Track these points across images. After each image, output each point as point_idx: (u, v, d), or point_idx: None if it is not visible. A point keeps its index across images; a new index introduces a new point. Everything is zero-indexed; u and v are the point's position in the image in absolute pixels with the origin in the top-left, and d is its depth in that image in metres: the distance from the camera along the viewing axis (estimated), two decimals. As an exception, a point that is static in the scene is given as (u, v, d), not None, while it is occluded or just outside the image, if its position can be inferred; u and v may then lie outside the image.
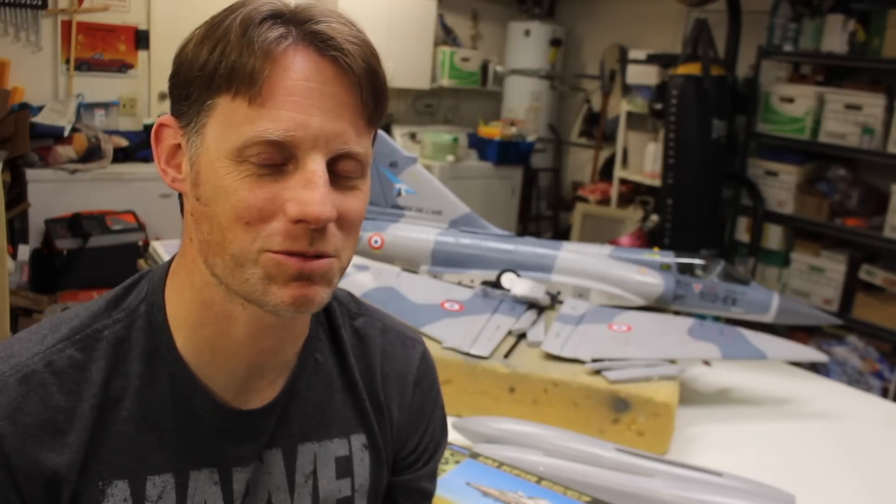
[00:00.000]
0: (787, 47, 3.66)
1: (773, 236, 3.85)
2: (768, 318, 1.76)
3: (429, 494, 0.85)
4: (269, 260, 0.61)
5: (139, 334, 0.67)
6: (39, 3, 3.71)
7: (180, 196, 0.67)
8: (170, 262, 0.71)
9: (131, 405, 0.65)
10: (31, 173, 3.47)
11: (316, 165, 0.60)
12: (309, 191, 0.59)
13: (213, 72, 0.60)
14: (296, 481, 0.73)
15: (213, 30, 0.61)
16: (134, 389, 0.66)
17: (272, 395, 0.71)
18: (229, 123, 0.60)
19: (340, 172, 0.63)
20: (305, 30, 0.61)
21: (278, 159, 0.60)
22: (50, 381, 0.63)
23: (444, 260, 1.87)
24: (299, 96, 0.60)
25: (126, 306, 0.68)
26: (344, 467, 0.76)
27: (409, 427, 0.82)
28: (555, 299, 1.77)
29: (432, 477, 0.86)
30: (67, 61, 3.85)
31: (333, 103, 0.61)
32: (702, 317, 1.79)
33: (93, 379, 0.64)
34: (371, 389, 0.79)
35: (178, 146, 0.66)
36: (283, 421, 0.72)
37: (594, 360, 1.45)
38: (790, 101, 3.68)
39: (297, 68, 0.60)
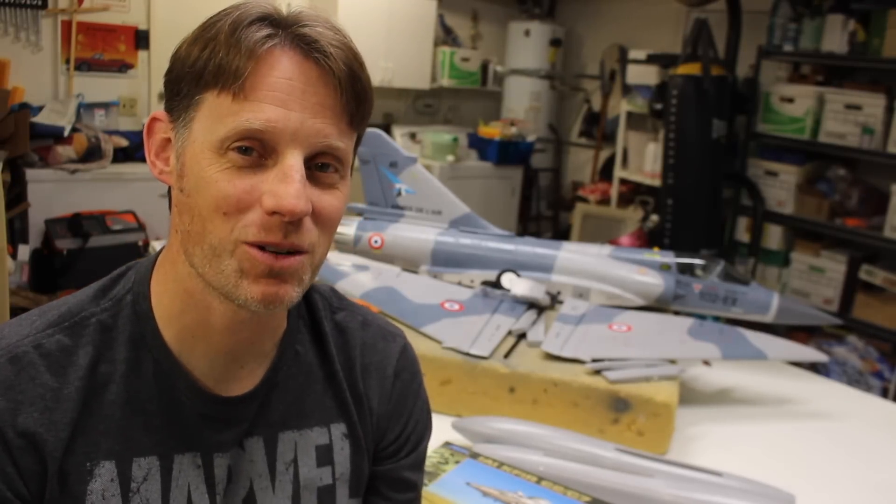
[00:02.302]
0: (787, 47, 3.66)
1: (773, 236, 3.85)
2: (768, 318, 1.76)
3: (414, 485, 0.87)
4: (244, 253, 0.63)
5: (125, 322, 0.69)
6: (39, 3, 3.71)
7: (169, 190, 0.70)
8: (157, 254, 0.74)
9: (118, 389, 0.68)
10: (31, 173, 3.47)
11: (293, 160, 0.63)
12: (285, 184, 0.62)
13: (202, 69, 0.63)
14: (277, 469, 0.75)
15: (206, 30, 0.64)
16: (120, 374, 0.68)
17: (252, 383, 0.73)
18: (214, 117, 0.63)
19: (319, 170, 0.65)
20: (292, 32, 0.64)
21: (258, 151, 0.63)
22: (39, 362, 0.65)
23: (444, 260, 1.87)
24: (281, 92, 0.62)
25: (113, 295, 0.71)
26: (324, 456, 0.78)
27: (389, 418, 0.83)
28: (555, 299, 1.77)
29: (415, 468, 0.87)
30: (67, 61, 3.85)
31: (315, 101, 0.64)
32: (702, 317, 1.79)
33: (79, 363, 0.67)
34: (351, 380, 0.81)
35: (168, 140, 0.68)
36: (263, 409, 0.74)
37: (594, 360, 1.45)
38: (790, 101, 3.67)
39: (281, 67, 0.63)
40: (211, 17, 0.65)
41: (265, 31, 0.63)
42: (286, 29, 0.64)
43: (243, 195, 0.62)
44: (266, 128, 0.62)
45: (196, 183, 0.64)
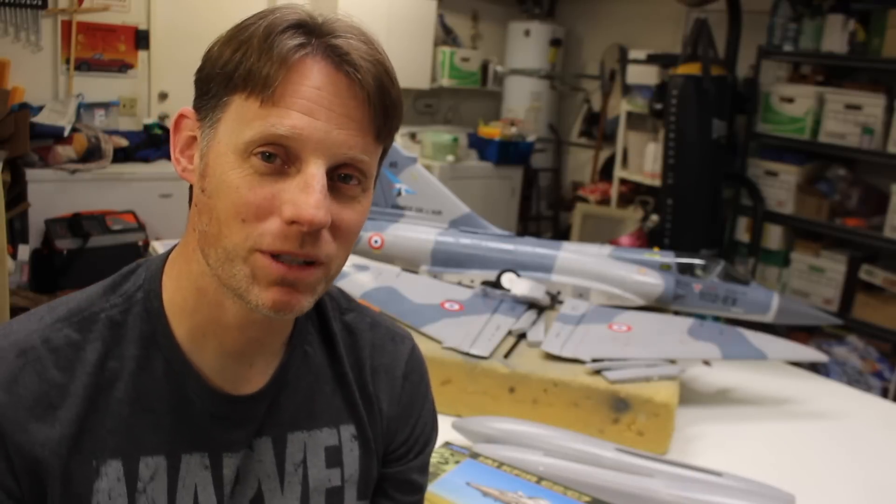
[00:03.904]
0: (787, 47, 3.66)
1: (773, 236, 3.85)
2: (768, 318, 1.76)
3: (420, 487, 0.87)
4: (257, 261, 0.63)
5: (135, 319, 0.69)
6: (39, 3, 3.71)
7: (191, 187, 0.69)
8: (168, 252, 0.73)
9: (126, 387, 0.67)
10: (31, 173, 3.47)
11: (316, 170, 0.62)
12: (305, 194, 0.61)
13: (232, 71, 0.63)
14: (286, 470, 0.74)
15: (240, 32, 0.64)
16: (129, 372, 0.67)
17: (262, 383, 0.73)
18: (240, 120, 0.63)
19: (342, 182, 0.65)
20: (324, 42, 0.64)
21: (281, 157, 0.62)
22: (46, 356, 0.65)
23: (444, 260, 1.87)
24: (309, 101, 0.62)
25: (124, 292, 0.70)
26: (333, 457, 0.77)
27: (398, 420, 0.83)
28: (555, 299, 1.77)
29: (422, 470, 0.87)
30: (67, 61, 3.85)
31: (342, 113, 0.63)
32: (702, 317, 1.79)
33: (87, 358, 0.66)
34: (360, 381, 0.80)
35: (194, 138, 0.68)
36: (273, 409, 0.74)
37: (594, 360, 1.45)
38: (790, 101, 3.67)
39: (312, 77, 0.63)
40: (246, 19, 0.65)
41: (298, 40, 0.63)
42: (319, 38, 0.63)
43: (263, 202, 0.62)
44: (291, 134, 0.61)
45: (217, 186, 0.63)
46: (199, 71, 0.66)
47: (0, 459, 0.62)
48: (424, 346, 1.48)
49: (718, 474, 1.23)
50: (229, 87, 0.63)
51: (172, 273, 0.71)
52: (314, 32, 0.64)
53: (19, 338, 0.65)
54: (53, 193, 3.53)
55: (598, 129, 5.28)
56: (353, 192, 0.66)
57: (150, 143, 3.92)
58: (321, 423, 0.77)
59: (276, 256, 0.63)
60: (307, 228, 0.61)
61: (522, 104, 5.35)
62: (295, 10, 0.65)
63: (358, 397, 0.79)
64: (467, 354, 1.46)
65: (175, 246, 0.73)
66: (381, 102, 0.65)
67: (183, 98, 0.74)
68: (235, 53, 0.63)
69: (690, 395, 1.63)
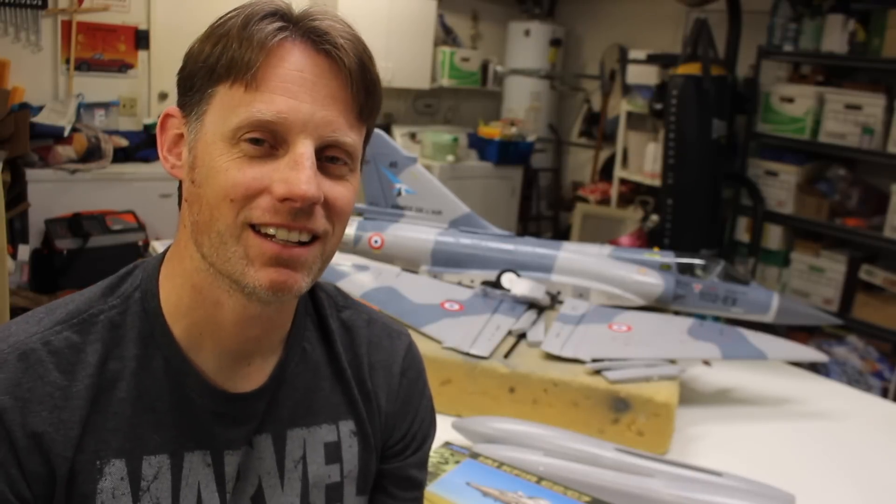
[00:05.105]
0: (787, 47, 3.66)
1: (773, 236, 3.85)
2: (768, 318, 1.76)
3: (419, 483, 0.87)
4: (250, 239, 0.64)
5: (134, 319, 0.69)
6: (39, 3, 3.71)
7: (179, 187, 0.70)
8: (164, 252, 0.74)
9: (128, 387, 0.67)
10: (31, 173, 3.47)
11: (304, 148, 0.64)
12: (296, 171, 0.63)
13: (214, 63, 0.64)
14: (286, 466, 0.75)
15: (218, 28, 0.66)
16: (130, 372, 0.68)
17: (260, 380, 0.74)
18: (226, 108, 0.64)
19: (329, 161, 0.66)
20: (303, 26, 0.66)
21: (269, 142, 0.64)
22: (47, 359, 0.65)
23: (444, 260, 1.87)
24: (292, 83, 0.64)
25: (121, 293, 0.71)
26: (333, 453, 0.78)
27: (396, 416, 0.84)
28: (555, 299, 1.77)
29: (421, 466, 0.87)
30: (67, 61, 3.85)
31: (325, 93, 0.65)
32: (702, 317, 1.79)
33: (88, 360, 0.67)
34: (359, 378, 0.81)
35: (181, 136, 0.69)
36: (272, 407, 0.74)
37: (594, 360, 1.45)
38: (790, 101, 3.67)
39: (292, 59, 0.64)
40: (223, 15, 0.66)
41: (276, 25, 0.64)
42: (297, 23, 0.65)
43: (252, 182, 0.63)
44: (277, 119, 0.63)
45: (207, 172, 0.64)
46: (182, 70, 0.68)
47: (13, 466, 0.62)
48: (424, 346, 1.48)
49: (718, 474, 1.23)
50: (213, 78, 0.65)
51: (167, 273, 0.71)
52: (291, 18, 0.66)
53: (19, 339, 0.66)
54: (53, 193, 3.53)
55: (598, 129, 5.28)
56: (341, 172, 0.67)
57: (150, 143, 3.92)
58: (320, 420, 0.77)
59: (269, 236, 0.64)
60: (300, 204, 0.63)
61: (522, 104, 5.35)
62: (270, 1, 0.66)
63: (356, 393, 0.80)
64: (467, 354, 1.46)
65: (171, 245, 0.73)
66: (363, 80, 0.67)
67: (183, 98, 0.75)
68: (216, 47, 0.64)
69: (690, 395, 1.63)
